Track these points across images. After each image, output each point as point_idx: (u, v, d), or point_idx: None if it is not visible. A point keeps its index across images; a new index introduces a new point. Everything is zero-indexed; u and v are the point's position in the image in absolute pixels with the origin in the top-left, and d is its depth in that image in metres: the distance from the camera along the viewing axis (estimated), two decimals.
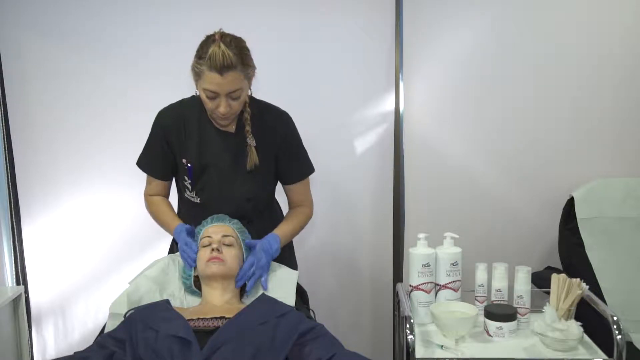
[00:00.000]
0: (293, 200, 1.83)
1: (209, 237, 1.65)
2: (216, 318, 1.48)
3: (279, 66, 2.32)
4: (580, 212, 2.20)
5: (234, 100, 1.57)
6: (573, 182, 2.30)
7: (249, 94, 1.66)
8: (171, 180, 1.82)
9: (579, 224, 2.19)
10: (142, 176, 2.36)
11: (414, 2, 2.30)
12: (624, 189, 2.24)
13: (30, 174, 2.37)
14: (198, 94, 1.62)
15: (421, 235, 1.73)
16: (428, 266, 1.69)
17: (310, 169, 1.83)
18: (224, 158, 1.71)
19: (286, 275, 1.75)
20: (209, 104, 1.58)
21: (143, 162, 1.80)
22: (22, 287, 2.38)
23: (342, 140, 2.39)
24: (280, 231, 1.73)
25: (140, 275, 1.73)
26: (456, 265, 1.70)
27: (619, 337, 1.44)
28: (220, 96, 1.55)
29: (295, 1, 2.31)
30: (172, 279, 1.73)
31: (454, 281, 1.71)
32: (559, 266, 2.25)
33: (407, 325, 1.49)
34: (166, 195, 1.85)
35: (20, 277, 2.40)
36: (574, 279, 1.57)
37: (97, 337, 1.53)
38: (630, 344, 1.84)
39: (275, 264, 1.78)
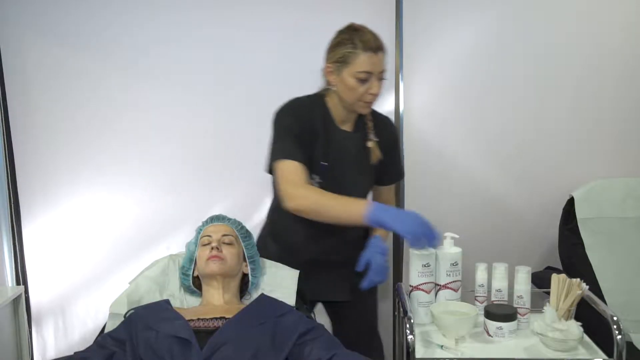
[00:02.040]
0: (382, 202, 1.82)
1: (208, 236, 1.65)
2: (216, 318, 1.48)
3: (278, 66, 2.33)
4: (580, 212, 2.20)
5: (379, 81, 1.64)
6: (573, 182, 2.30)
7: None
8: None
9: (579, 224, 2.19)
10: (142, 177, 2.38)
11: (414, 2, 2.30)
12: (624, 189, 2.24)
13: (30, 174, 2.37)
14: (332, 88, 1.68)
15: None
16: (428, 266, 1.69)
17: (401, 175, 1.92)
18: (348, 157, 1.74)
19: (286, 275, 1.75)
20: (358, 89, 1.63)
21: (287, 152, 1.63)
22: (22, 287, 2.38)
23: None
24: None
25: (140, 275, 1.73)
26: (456, 265, 1.70)
27: (619, 337, 1.44)
28: (372, 77, 1.62)
29: (294, 1, 2.31)
30: (172, 279, 1.73)
31: (454, 281, 1.71)
32: (559, 266, 2.25)
33: (407, 325, 1.48)
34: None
35: (20, 277, 2.40)
36: (574, 279, 1.57)
37: (97, 337, 1.53)
38: (630, 344, 1.84)
39: (274, 263, 1.78)
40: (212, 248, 1.61)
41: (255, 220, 2.39)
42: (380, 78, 1.65)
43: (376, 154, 1.76)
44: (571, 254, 2.21)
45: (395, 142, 1.87)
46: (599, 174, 2.30)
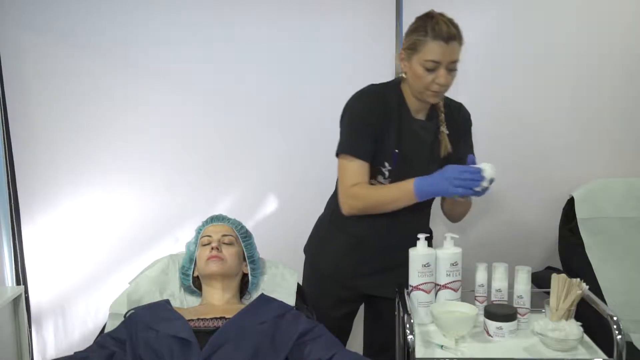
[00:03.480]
0: None
1: (208, 236, 1.65)
2: (216, 318, 1.48)
3: (278, 66, 2.33)
4: (580, 212, 2.20)
5: (450, 72, 1.63)
6: (573, 182, 2.30)
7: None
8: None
9: (579, 224, 2.19)
10: (142, 177, 2.38)
11: (414, 2, 2.30)
12: (624, 189, 2.24)
13: (30, 174, 2.37)
14: (404, 75, 1.67)
15: (421, 236, 1.72)
16: (428, 266, 1.69)
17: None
18: (421, 146, 1.73)
19: (286, 275, 1.75)
20: (426, 78, 1.62)
21: (353, 147, 1.68)
22: (22, 287, 2.38)
23: None
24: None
25: (140, 275, 1.73)
26: (456, 265, 1.70)
27: (619, 337, 1.44)
28: (441, 66, 1.60)
29: (295, 1, 2.31)
30: (172, 279, 1.73)
31: (454, 281, 1.71)
32: (559, 266, 2.25)
33: (407, 325, 1.48)
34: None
35: (20, 277, 2.40)
36: (574, 279, 1.57)
37: (97, 337, 1.53)
38: (630, 344, 1.84)
39: (274, 263, 1.78)
40: (212, 248, 1.61)
41: (256, 220, 2.40)
42: (451, 69, 1.63)
43: (446, 146, 1.74)
44: (571, 254, 2.21)
45: (470, 129, 1.84)
46: (599, 174, 2.30)
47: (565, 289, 1.55)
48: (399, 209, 1.66)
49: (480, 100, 2.35)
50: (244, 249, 1.69)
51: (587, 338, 1.59)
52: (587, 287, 1.57)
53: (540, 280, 1.91)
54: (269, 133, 2.39)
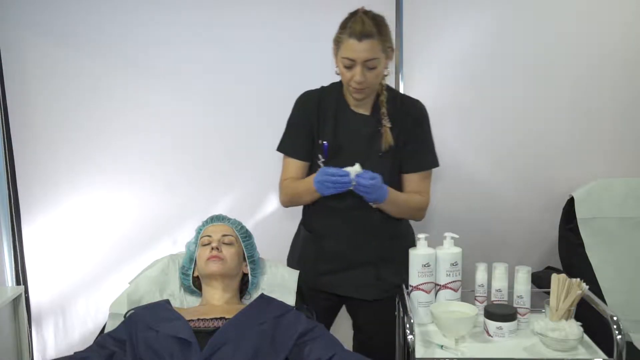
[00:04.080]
0: (408, 192, 1.78)
1: (208, 236, 1.65)
2: (216, 319, 1.48)
3: (279, 66, 2.33)
4: (580, 212, 2.20)
5: (369, 70, 1.61)
6: (573, 182, 2.30)
7: (386, 74, 1.70)
8: (310, 162, 1.79)
9: (579, 224, 2.19)
10: (141, 177, 2.38)
11: (414, 2, 2.30)
12: (624, 189, 2.24)
13: (30, 174, 2.37)
14: (337, 70, 1.67)
15: (421, 236, 1.73)
16: (428, 266, 1.69)
17: (433, 163, 1.81)
18: (358, 139, 1.73)
19: (286, 275, 1.75)
20: (346, 75, 1.63)
21: (284, 145, 1.80)
22: (22, 287, 2.38)
23: None
24: (392, 189, 1.69)
25: (140, 275, 1.73)
26: (456, 265, 1.70)
27: (619, 337, 1.44)
28: (356, 64, 1.59)
29: (295, 1, 2.31)
30: (172, 279, 1.73)
31: (454, 281, 1.71)
32: (559, 266, 2.25)
33: (407, 325, 1.48)
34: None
35: (20, 277, 2.40)
36: (574, 279, 1.57)
37: (97, 337, 1.53)
38: (630, 344, 1.84)
39: (274, 263, 1.78)
40: (212, 248, 1.61)
41: (256, 220, 2.40)
42: (369, 67, 1.60)
43: (387, 140, 1.71)
44: (571, 254, 2.21)
45: (422, 126, 1.78)
46: (599, 174, 2.30)
47: (565, 289, 1.55)
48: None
49: (481, 100, 2.36)
50: (244, 249, 1.69)
51: (587, 338, 1.59)
52: (587, 287, 1.57)
53: (540, 280, 1.91)
54: (269, 133, 2.38)
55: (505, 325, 1.58)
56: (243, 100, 2.35)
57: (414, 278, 1.70)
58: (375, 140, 1.72)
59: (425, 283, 1.70)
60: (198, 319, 1.48)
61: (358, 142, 1.73)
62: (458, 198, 2.40)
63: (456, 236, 1.73)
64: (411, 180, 1.78)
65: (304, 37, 2.32)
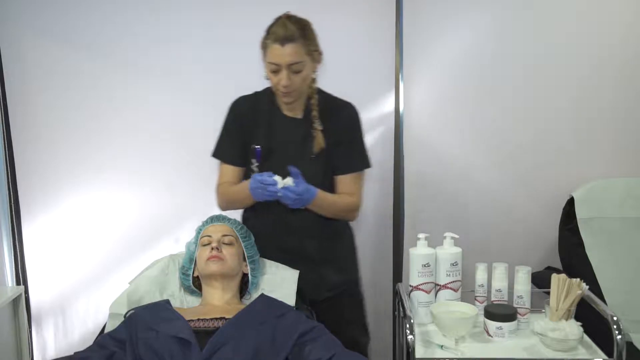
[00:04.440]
0: (340, 193, 1.79)
1: (208, 236, 1.65)
2: (216, 319, 1.48)
3: None
4: (580, 212, 2.20)
5: (295, 74, 1.62)
6: (573, 182, 2.30)
7: (314, 76, 1.72)
8: (245, 169, 1.81)
9: (579, 224, 2.19)
10: (141, 177, 2.38)
11: (414, 3, 2.30)
12: (624, 189, 2.24)
13: (30, 174, 2.37)
14: (266, 75, 1.68)
15: (421, 236, 1.73)
16: (428, 266, 1.69)
17: (364, 164, 1.82)
18: (291, 142, 1.75)
19: (286, 275, 1.75)
20: (273, 79, 1.65)
21: (219, 152, 1.83)
22: (22, 287, 2.38)
23: None
24: (321, 191, 1.70)
25: (140, 275, 1.73)
26: (456, 265, 1.70)
27: (619, 337, 1.44)
28: (282, 68, 1.61)
29: (295, 2, 2.30)
30: (172, 279, 1.73)
31: (454, 281, 1.71)
32: (559, 266, 2.25)
33: (407, 325, 1.49)
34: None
35: (20, 277, 2.40)
36: (574, 279, 1.57)
37: (97, 337, 1.53)
38: (630, 344, 1.84)
39: (274, 263, 1.78)
40: (212, 248, 1.61)
41: None
42: (294, 70, 1.62)
43: (319, 143, 1.72)
44: (571, 254, 2.21)
45: (353, 127, 1.80)
46: (599, 174, 2.30)
47: (565, 289, 1.55)
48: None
49: (481, 101, 2.36)
50: (244, 249, 1.69)
51: (587, 338, 1.59)
52: (587, 287, 1.57)
53: (540, 280, 1.90)
54: None
55: (505, 325, 1.58)
56: None
57: (414, 278, 1.70)
58: (307, 143, 1.74)
59: (425, 283, 1.70)
60: (198, 319, 1.48)
61: (290, 146, 1.75)
62: (458, 198, 2.40)
63: (456, 236, 1.73)
64: (343, 182, 1.79)
65: None
